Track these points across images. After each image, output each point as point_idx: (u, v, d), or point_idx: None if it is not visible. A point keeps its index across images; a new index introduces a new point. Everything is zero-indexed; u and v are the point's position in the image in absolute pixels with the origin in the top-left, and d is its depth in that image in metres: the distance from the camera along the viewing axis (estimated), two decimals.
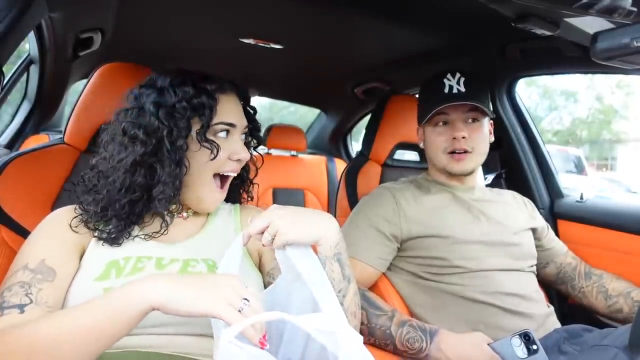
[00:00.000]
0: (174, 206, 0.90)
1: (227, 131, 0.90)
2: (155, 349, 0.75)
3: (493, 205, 1.28)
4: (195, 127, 0.87)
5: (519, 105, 1.66)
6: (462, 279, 1.14)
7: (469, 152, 1.22)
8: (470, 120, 1.23)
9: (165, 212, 0.89)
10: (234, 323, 0.59)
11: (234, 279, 0.66)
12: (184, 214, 0.94)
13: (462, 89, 1.21)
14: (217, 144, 0.87)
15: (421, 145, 1.34)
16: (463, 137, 1.20)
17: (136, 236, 0.87)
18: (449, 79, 1.23)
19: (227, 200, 1.02)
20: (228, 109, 0.90)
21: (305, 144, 2.62)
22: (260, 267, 0.94)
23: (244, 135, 0.95)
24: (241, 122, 0.92)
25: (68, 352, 0.62)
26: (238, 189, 1.04)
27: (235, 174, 0.93)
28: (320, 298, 0.69)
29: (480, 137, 1.24)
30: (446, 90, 1.22)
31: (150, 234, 0.87)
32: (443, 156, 1.24)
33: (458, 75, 1.23)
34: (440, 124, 1.25)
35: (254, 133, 1.02)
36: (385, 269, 1.21)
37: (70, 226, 0.84)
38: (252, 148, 1.04)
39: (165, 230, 0.88)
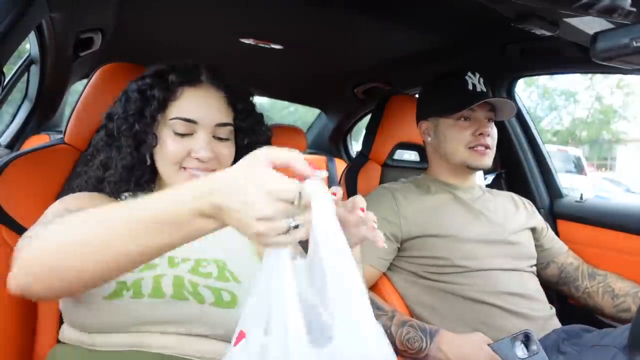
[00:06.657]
0: (127, 194, 0.90)
1: (188, 127, 0.85)
2: (161, 350, 0.73)
3: (492, 205, 1.29)
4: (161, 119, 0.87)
5: (518, 105, 1.66)
6: (462, 278, 1.14)
7: (489, 149, 1.25)
8: (487, 120, 1.26)
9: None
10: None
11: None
12: None
13: (484, 88, 1.24)
14: (155, 136, 0.86)
15: (429, 139, 1.32)
16: (488, 135, 1.24)
17: None
18: (470, 77, 1.24)
19: None
20: (190, 104, 0.86)
21: (305, 144, 2.61)
22: None
23: (227, 133, 0.89)
24: (209, 118, 0.85)
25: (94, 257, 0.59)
26: None
27: (203, 173, 0.84)
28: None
29: (495, 136, 1.27)
30: (470, 88, 1.23)
31: None
32: (465, 150, 1.24)
33: (477, 74, 1.25)
34: (463, 119, 1.25)
35: (247, 133, 0.93)
36: (385, 269, 1.21)
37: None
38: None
39: None
